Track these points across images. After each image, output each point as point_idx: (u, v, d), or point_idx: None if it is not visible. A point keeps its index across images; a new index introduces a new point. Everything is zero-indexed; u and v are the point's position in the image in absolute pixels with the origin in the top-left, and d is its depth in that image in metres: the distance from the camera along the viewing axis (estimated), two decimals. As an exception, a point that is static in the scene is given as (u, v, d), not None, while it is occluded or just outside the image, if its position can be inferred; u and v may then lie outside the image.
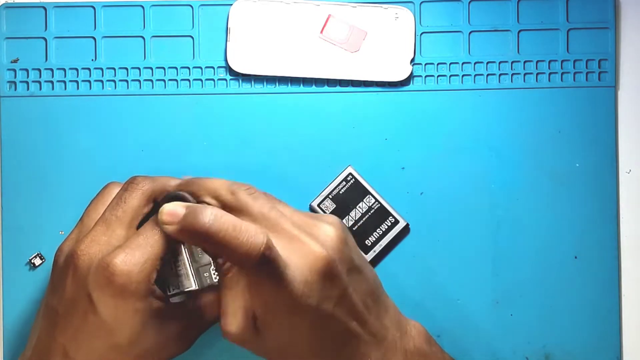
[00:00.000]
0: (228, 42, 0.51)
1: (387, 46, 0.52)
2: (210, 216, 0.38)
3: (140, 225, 0.45)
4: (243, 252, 0.38)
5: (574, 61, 0.52)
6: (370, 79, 0.52)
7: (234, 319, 0.41)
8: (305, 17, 0.52)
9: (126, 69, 0.52)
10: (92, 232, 0.44)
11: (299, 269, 0.39)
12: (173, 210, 0.38)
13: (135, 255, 0.42)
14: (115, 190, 0.46)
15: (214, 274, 0.47)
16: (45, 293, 0.46)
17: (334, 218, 0.44)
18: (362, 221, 0.51)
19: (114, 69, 0.52)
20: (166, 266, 0.45)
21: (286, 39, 0.52)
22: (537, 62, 0.52)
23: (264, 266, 0.38)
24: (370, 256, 0.51)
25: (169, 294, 0.46)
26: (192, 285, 0.47)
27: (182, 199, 0.42)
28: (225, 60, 0.52)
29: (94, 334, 0.42)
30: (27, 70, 0.52)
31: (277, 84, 0.52)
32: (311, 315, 0.40)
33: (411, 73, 0.52)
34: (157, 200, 0.46)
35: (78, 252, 0.43)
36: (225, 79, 0.52)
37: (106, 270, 0.42)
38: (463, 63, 0.52)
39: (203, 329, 0.46)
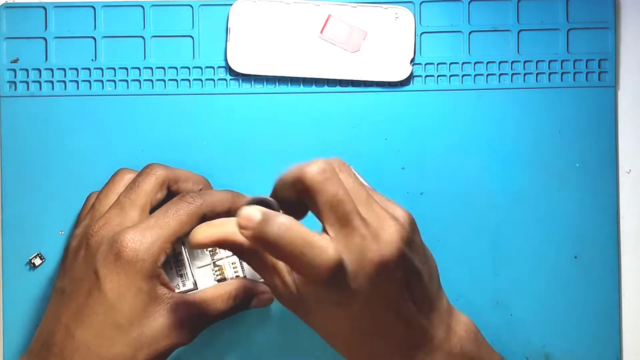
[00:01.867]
0: (228, 42, 0.51)
1: (387, 46, 0.52)
2: (280, 227, 0.37)
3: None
4: (311, 268, 0.37)
5: (574, 61, 0.52)
6: (370, 79, 0.52)
7: (282, 291, 0.41)
8: (305, 17, 0.52)
9: (126, 69, 0.52)
10: (105, 214, 0.45)
11: (354, 266, 0.39)
12: (249, 215, 0.37)
13: (145, 235, 0.43)
14: (126, 176, 0.48)
15: (214, 273, 0.47)
16: (56, 279, 0.46)
17: (404, 214, 0.41)
18: (362, 221, 0.51)
19: (114, 69, 0.52)
20: (166, 266, 0.45)
21: (286, 39, 0.51)
22: (537, 62, 0.52)
23: (331, 281, 0.38)
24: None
25: None
26: (191, 285, 0.47)
27: (266, 204, 0.40)
28: (225, 60, 0.52)
29: (96, 310, 0.43)
30: (27, 70, 0.52)
31: (277, 84, 0.52)
32: (356, 310, 0.40)
33: (411, 73, 0.52)
34: (170, 188, 0.47)
35: (91, 232, 0.44)
36: (225, 79, 0.52)
37: (114, 247, 0.43)
38: (463, 63, 0.52)
39: (206, 323, 0.46)
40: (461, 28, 0.52)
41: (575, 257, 0.52)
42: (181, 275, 0.47)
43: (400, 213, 0.41)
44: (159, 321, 0.43)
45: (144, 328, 0.43)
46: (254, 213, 0.37)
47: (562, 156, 0.52)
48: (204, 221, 0.43)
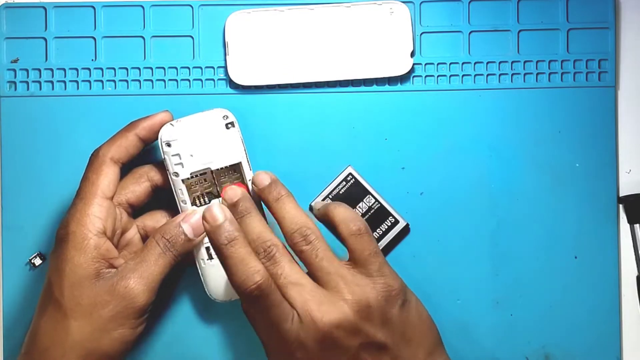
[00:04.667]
0: (227, 56, 0.51)
1: (386, 42, 0.52)
2: (227, 240, 0.44)
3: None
4: (236, 282, 0.43)
5: (574, 61, 0.52)
6: (373, 76, 0.52)
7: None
8: (300, 22, 0.52)
9: (126, 69, 0.52)
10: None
11: (307, 319, 0.43)
12: (215, 215, 0.45)
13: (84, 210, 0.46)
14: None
15: None
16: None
17: (391, 281, 0.45)
18: (362, 221, 0.51)
19: (114, 69, 0.52)
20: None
21: (284, 46, 0.51)
22: (537, 62, 0.52)
23: (253, 302, 0.43)
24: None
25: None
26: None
27: None
28: (226, 73, 0.52)
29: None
30: (27, 70, 0.52)
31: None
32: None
33: (412, 68, 0.52)
34: (123, 163, 0.48)
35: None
36: (225, 79, 0.52)
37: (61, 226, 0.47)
38: (463, 63, 0.52)
39: (135, 313, 0.46)
40: (461, 28, 0.52)
41: (575, 257, 0.52)
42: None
43: (379, 286, 0.45)
44: (93, 291, 0.45)
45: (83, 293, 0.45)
46: (219, 215, 0.45)
47: (562, 156, 0.52)
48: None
